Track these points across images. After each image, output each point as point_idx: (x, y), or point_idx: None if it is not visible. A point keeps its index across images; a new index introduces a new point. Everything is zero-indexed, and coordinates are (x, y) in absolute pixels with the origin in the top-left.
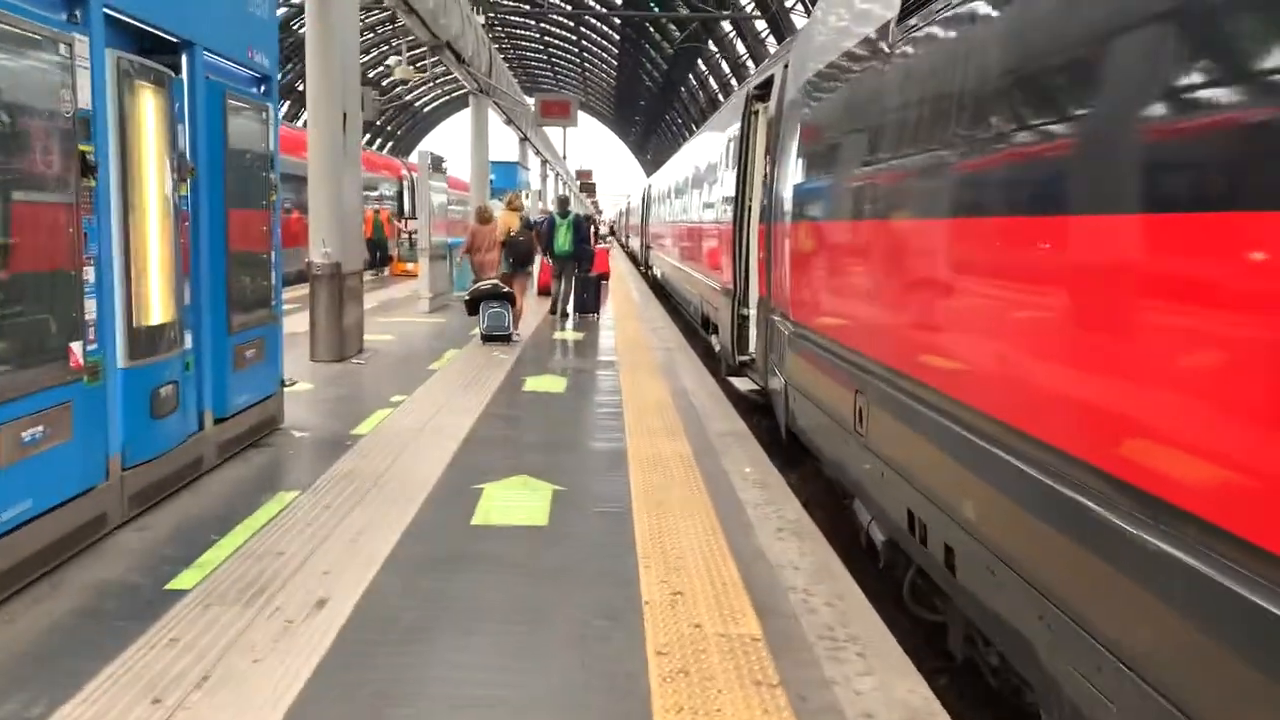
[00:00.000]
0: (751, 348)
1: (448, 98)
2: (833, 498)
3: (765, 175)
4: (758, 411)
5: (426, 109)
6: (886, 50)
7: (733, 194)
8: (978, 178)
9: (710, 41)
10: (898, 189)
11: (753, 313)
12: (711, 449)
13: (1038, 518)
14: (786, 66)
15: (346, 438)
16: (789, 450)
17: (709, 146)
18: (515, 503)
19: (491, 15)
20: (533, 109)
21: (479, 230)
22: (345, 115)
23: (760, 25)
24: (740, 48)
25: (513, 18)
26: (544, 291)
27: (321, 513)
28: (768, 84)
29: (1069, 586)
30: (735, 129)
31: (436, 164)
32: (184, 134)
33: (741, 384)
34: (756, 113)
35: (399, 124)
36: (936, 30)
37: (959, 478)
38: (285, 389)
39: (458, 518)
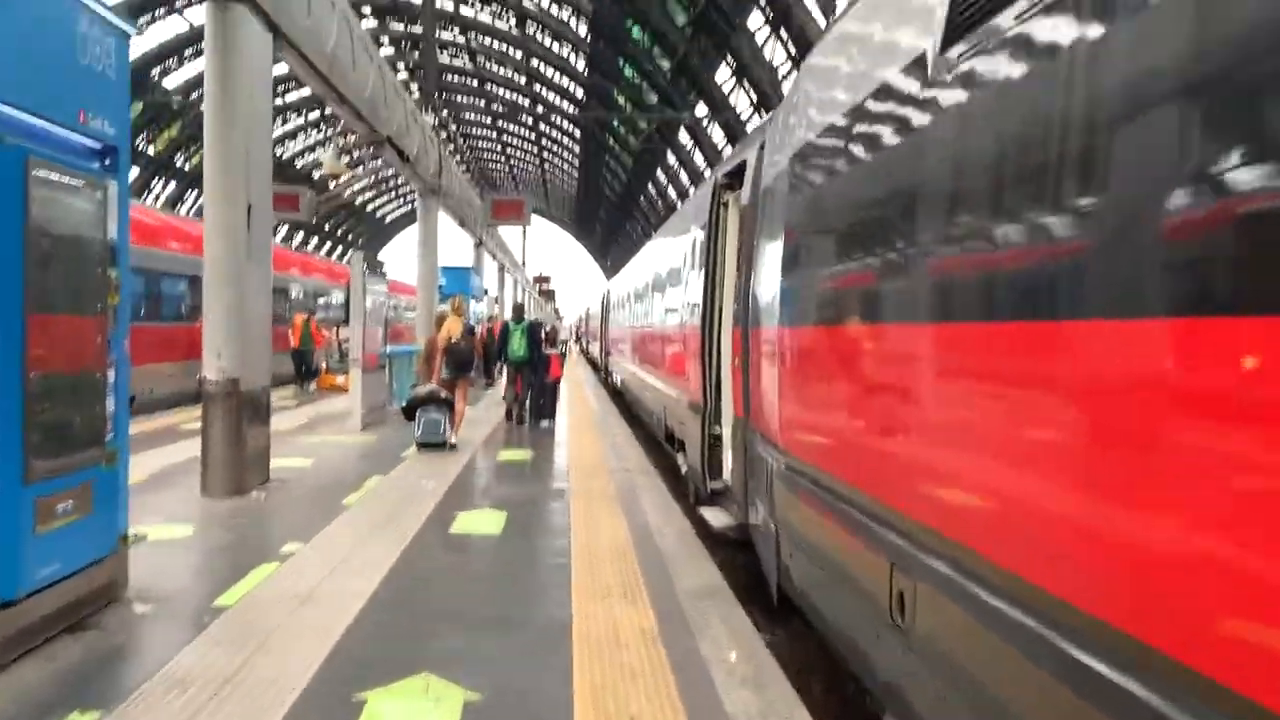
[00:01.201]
0: (726, 473)
1: (409, 207)
2: (828, 660)
3: (739, 273)
4: (734, 546)
5: (388, 219)
6: (922, 93)
7: (700, 296)
8: (1114, 259)
9: (669, 151)
10: (957, 281)
11: (726, 431)
12: (682, 619)
13: None
14: (762, 148)
15: (206, 611)
16: (780, 607)
17: (672, 244)
18: None
19: (443, 115)
20: (484, 209)
21: (436, 336)
22: (250, 207)
23: (717, 137)
24: (699, 158)
25: (474, 130)
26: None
27: None
28: (739, 171)
29: None
30: (702, 224)
31: (372, 267)
32: None
33: (715, 517)
34: (726, 204)
35: (358, 233)
36: (1005, 56)
37: None
38: (132, 545)
39: None
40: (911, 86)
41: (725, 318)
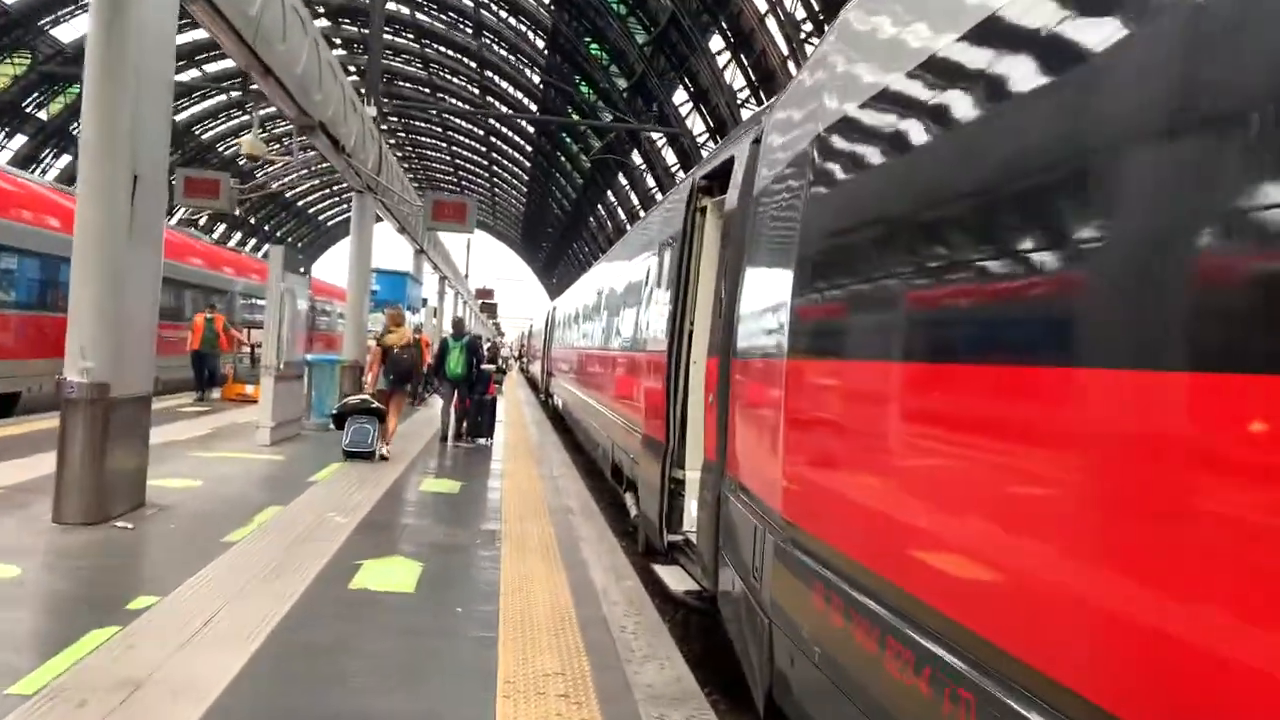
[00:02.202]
0: (688, 524)
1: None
2: None
3: (721, 292)
4: (696, 613)
5: (330, 222)
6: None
7: (666, 318)
8: None
9: (620, 173)
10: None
11: (690, 476)
12: None
13: None
14: (757, 142)
15: None
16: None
17: (634, 258)
18: None
19: (394, 120)
20: (424, 210)
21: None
22: (136, 178)
23: (670, 159)
24: (650, 180)
25: (423, 138)
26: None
27: None
28: (723, 171)
29: None
30: (673, 234)
31: (293, 263)
32: None
33: (673, 579)
34: (704, 210)
35: (299, 235)
36: None
37: None
38: None
39: None
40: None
41: (698, 344)
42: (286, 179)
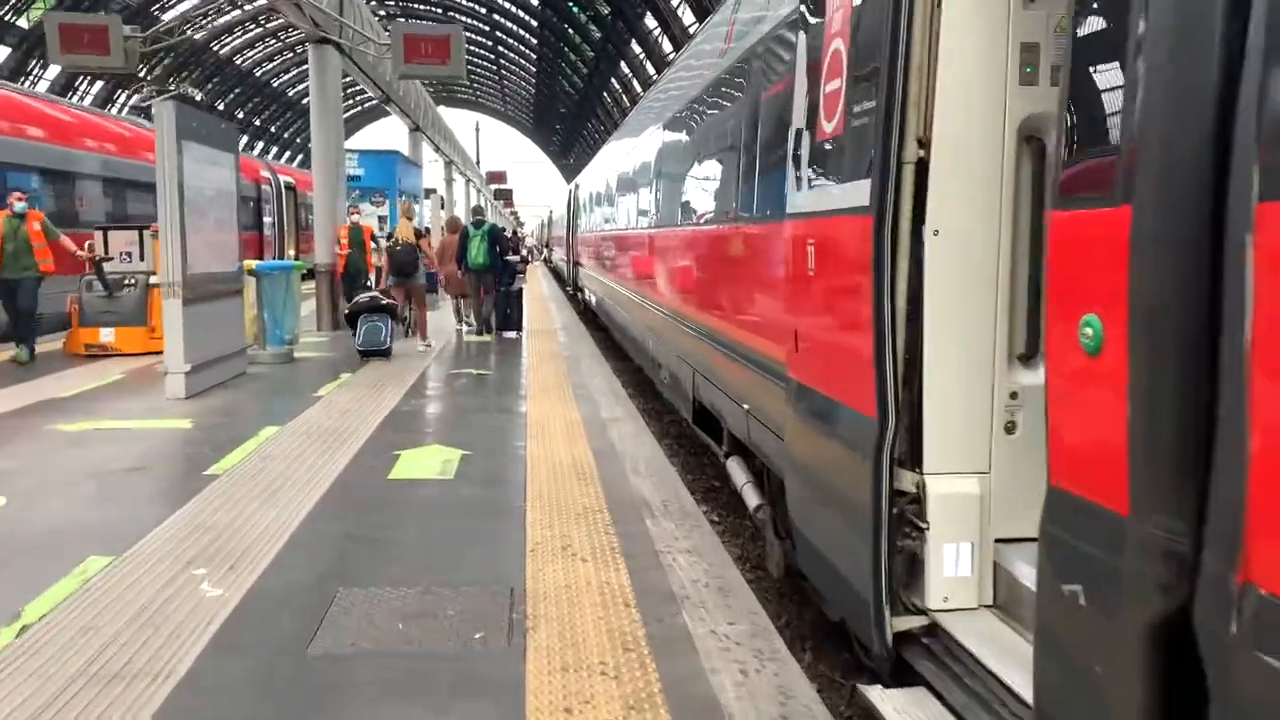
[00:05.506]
0: (935, 597)
1: (360, 107)
2: None
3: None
4: None
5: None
6: None
7: (850, 145)
8: None
9: (633, 40)
10: None
11: (935, 488)
12: None
13: None
14: None
15: None
16: None
17: (723, 63)
18: None
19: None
20: (394, 50)
21: (448, 242)
22: None
23: (687, 19)
24: (666, 44)
25: (421, 20)
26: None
27: None
28: None
29: None
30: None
31: (207, 132)
32: None
33: None
34: None
35: (284, 123)
36: None
37: None
38: None
39: None
40: None
41: (942, 192)
42: (218, 27)
